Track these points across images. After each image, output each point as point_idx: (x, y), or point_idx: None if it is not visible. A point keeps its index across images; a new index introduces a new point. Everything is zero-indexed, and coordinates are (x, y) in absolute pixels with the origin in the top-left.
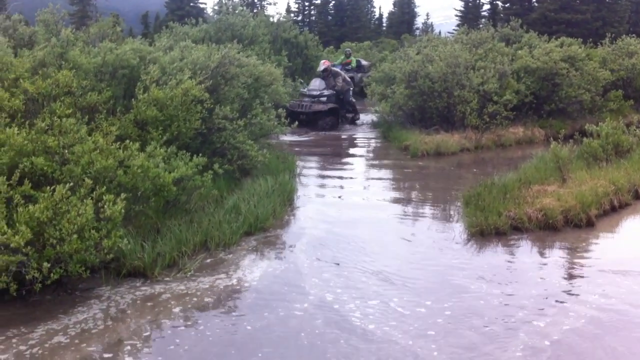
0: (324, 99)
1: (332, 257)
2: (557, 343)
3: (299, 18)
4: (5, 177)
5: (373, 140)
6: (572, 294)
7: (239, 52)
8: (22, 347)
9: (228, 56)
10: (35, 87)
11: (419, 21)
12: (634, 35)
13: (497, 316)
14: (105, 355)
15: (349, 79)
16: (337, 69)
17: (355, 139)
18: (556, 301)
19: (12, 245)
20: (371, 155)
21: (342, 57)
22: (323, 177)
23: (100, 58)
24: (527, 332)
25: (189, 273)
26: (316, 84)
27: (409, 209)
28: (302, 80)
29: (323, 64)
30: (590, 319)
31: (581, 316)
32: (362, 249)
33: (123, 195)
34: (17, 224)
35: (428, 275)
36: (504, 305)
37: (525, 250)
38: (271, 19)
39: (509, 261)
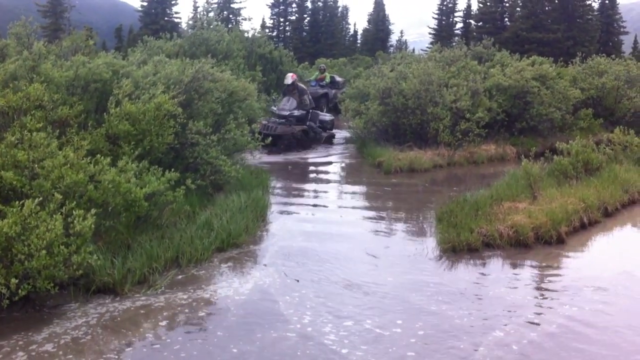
0: (293, 119)
1: (305, 274)
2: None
3: (274, 34)
4: None
5: (347, 157)
6: (538, 309)
7: (212, 67)
8: None
9: (202, 71)
10: (6, 100)
11: (393, 38)
12: (604, 54)
13: (467, 331)
14: None
15: (312, 99)
16: (303, 86)
17: (328, 154)
18: (521, 316)
19: None
20: (345, 171)
21: (317, 73)
22: (296, 193)
23: (72, 72)
24: (492, 344)
25: (160, 289)
26: (287, 104)
27: (382, 225)
28: (273, 97)
29: (291, 77)
30: (553, 334)
31: (544, 331)
32: (335, 266)
33: (93, 211)
34: None
35: (401, 292)
36: (473, 320)
37: (497, 266)
38: (246, 35)
39: (480, 277)
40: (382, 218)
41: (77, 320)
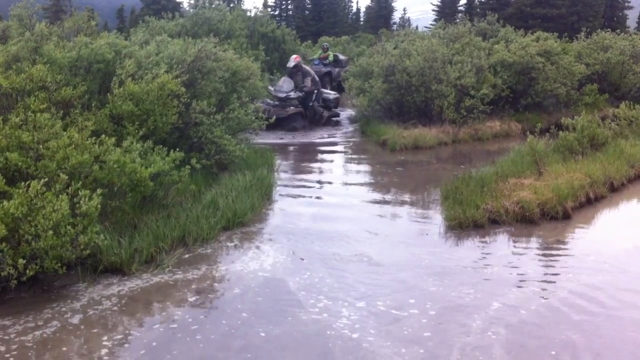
0: (292, 101)
1: (311, 253)
2: (522, 323)
3: (276, 12)
4: None
5: (351, 135)
6: (544, 284)
7: (215, 46)
8: None
9: (204, 50)
10: (9, 81)
11: (396, 16)
12: (608, 29)
13: (475, 307)
14: (82, 354)
15: (318, 80)
16: (308, 68)
17: (332, 133)
18: (527, 291)
19: None
20: (349, 149)
21: (320, 51)
22: (301, 172)
23: (75, 52)
24: (500, 321)
25: (167, 269)
26: (284, 86)
27: (388, 203)
28: (271, 77)
29: (294, 60)
30: (557, 308)
31: (549, 305)
32: (341, 244)
33: (99, 191)
34: None
35: (409, 270)
36: (481, 297)
37: (503, 242)
38: (248, 13)
39: (486, 253)
40: (387, 195)
41: (86, 300)
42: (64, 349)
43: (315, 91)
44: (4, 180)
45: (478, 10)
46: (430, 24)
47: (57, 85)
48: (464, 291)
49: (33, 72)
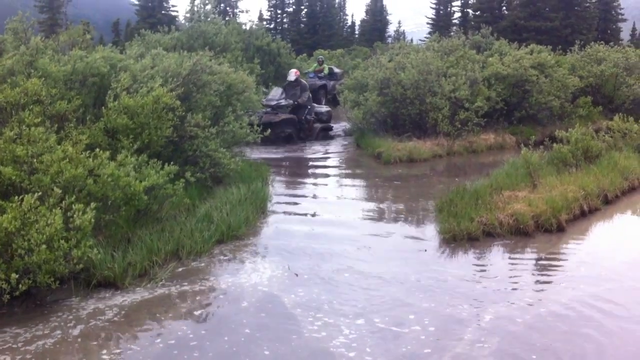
0: (282, 109)
1: (306, 268)
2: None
3: (272, 26)
4: None
5: (346, 148)
6: (538, 296)
7: (210, 60)
8: None
9: (200, 63)
10: (4, 95)
11: (391, 29)
12: (602, 42)
13: (470, 321)
14: None
15: (311, 97)
16: (306, 83)
17: (327, 146)
18: (521, 303)
19: None
20: (344, 162)
21: (315, 64)
22: (296, 185)
23: (70, 66)
24: (496, 334)
25: (160, 282)
26: (276, 95)
27: (383, 216)
28: (265, 90)
29: (294, 74)
30: (550, 321)
31: (541, 318)
32: (336, 258)
33: (93, 205)
34: None
35: (405, 284)
36: (476, 310)
37: (497, 254)
38: (243, 27)
39: (481, 266)
40: (382, 208)
41: (79, 315)
42: None
43: (308, 106)
44: None
45: (472, 23)
46: (425, 37)
47: (51, 99)
48: (460, 306)
49: (28, 85)
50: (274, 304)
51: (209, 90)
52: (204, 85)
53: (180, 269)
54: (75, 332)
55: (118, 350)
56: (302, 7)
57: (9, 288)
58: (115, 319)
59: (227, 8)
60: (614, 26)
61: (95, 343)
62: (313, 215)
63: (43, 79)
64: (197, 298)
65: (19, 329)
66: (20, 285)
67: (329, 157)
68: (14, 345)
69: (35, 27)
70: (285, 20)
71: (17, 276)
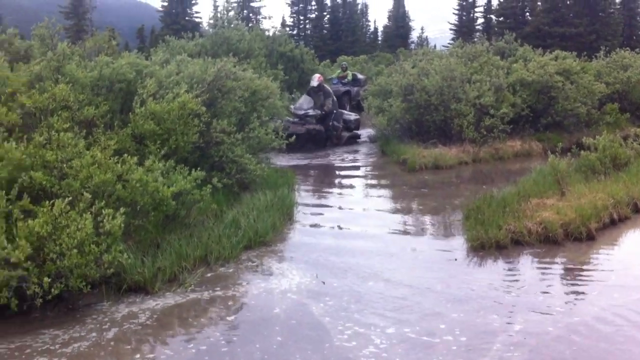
0: (309, 119)
1: (334, 275)
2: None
3: (294, 32)
4: (4, 191)
5: (371, 155)
6: (569, 306)
7: (234, 66)
8: None
9: (224, 69)
10: (32, 101)
11: (414, 35)
12: (627, 48)
13: (502, 331)
14: None
15: (336, 101)
16: (329, 89)
17: (353, 153)
18: (551, 313)
19: (12, 260)
20: (369, 169)
21: (339, 70)
22: (322, 191)
23: (96, 72)
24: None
25: (190, 288)
26: (303, 104)
27: (410, 223)
28: (292, 96)
29: (317, 79)
30: (580, 332)
31: (572, 328)
32: (364, 266)
33: (122, 210)
34: (17, 239)
35: (434, 293)
36: (507, 320)
37: (526, 263)
38: (267, 33)
39: (510, 275)
40: (409, 216)
41: (111, 319)
42: None
43: (334, 111)
44: (29, 199)
45: (496, 29)
46: (448, 43)
47: (79, 104)
48: (491, 315)
49: (56, 91)
50: (304, 311)
51: (234, 97)
52: (228, 92)
53: (209, 275)
54: (109, 335)
55: (151, 355)
56: (325, 14)
57: (41, 292)
58: (148, 322)
59: (250, 14)
60: (639, 32)
61: (128, 347)
62: (340, 222)
63: (70, 84)
64: (228, 304)
65: (56, 331)
66: (52, 289)
67: (354, 164)
68: (52, 347)
69: (61, 33)
70: (308, 26)
71: (49, 280)
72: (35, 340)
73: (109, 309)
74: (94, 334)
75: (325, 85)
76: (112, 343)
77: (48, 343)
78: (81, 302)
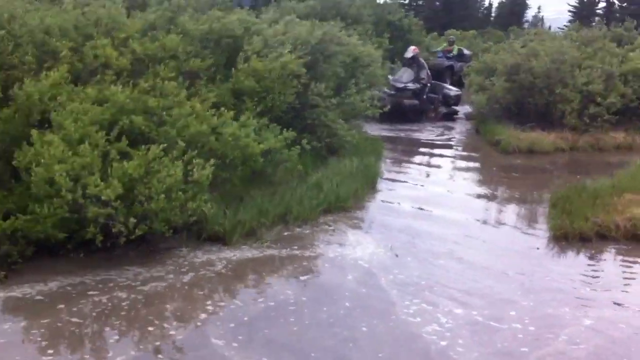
0: (409, 92)
1: (408, 248)
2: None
3: (407, 1)
4: (104, 132)
5: (465, 132)
6: None
7: (340, 31)
8: (98, 296)
9: (329, 33)
10: (143, 48)
11: (530, 14)
12: None
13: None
14: (181, 315)
15: (430, 74)
16: (423, 61)
17: (446, 129)
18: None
19: (103, 198)
20: (461, 146)
21: (445, 44)
22: (409, 165)
23: (207, 26)
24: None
25: (266, 244)
26: (403, 76)
27: (494, 205)
28: (392, 65)
29: (412, 51)
30: None
31: None
32: (440, 244)
33: (212, 161)
34: (110, 178)
35: (509, 278)
36: (579, 314)
37: (610, 259)
38: (378, 1)
39: (591, 269)
40: (494, 198)
41: (189, 264)
42: (167, 306)
43: (428, 84)
44: (127, 141)
45: (617, 15)
46: (565, 25)
47: (187, 55)
48: (563, 308)
49: (166, 41)
50: (374, 282)
51: (335, 61)
52: (331, 56)
53: (286, 233)
54: (185, 279)
55: (222, 303)
56: None
57: (126, 231)
58: (222, 272)
59: None
60: None
61: (201, 293)
62: (423, 196)
63: (181, 35)
64: (301, 264)
65: (139, 269)
66: (136, 230)
67: (446, 141)
68: (133, 284)
69: None
70: None
71: (135, 221)
72: (120, 275)
73: (187, 254)
74: (171, 276)
75: (421, 58)
76: (186, 287)
77: (130, 279)
78: (162, 245)
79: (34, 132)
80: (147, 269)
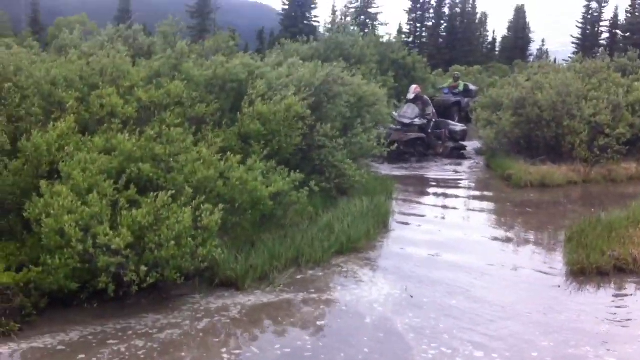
0: (415, 127)
1: (423, 288)
2: None
3: (410, 39)
4: (112, 181)
5: (475, 168)
6: None
7: (343, 71)
8: (117, 345)
9: (332, 74)
10: (149, 96)
11: (534, 47)
12: None
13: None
14: None
15: (434, 111)
16: (427, 98)
17: (456, 165)
18: None
19: (113, 247)
20: (472, 183)
21: (450, 80)
22: (420, 202)
23: (211, 71)
24: None
25: (279, 287)
26: (408, 111)
27: (509, 241)
28: (396, 103)
29: (413, 91)
30: None
31: None
32: (456, 283)
33: (221, 206)
34: (120, 227)
35: (528, 317)
36: (605, 350)
37: (629, 294)
38: (381, 40)
39: (611, 304)
40: (508, 234)
41: (203, 310)
42: (183, 354)
43: (433, 120)
44: (136, 189)
45: (620, 45)
46: (569, 57)
47: (192, 101)
48: (584, 347)
49: (171, 87)
50: (391, 325)
51: (340, 101)
52: (335, 96)
53: (298, 276)
54: (200, 326)
55: (237, 351)
56: (442, 22)
57: (138, 280)
58: (237, 317)
59: (367, 20)
60: None
61: (217, 340)
62: (435, 235)
63: (186, 82)
64: (317, 308)
65: (147, 318)
66: (148, 278)
67: (456, 177)
68: (150, 331)
69: (184, 31)
70: (424, 34)
71: (146, 269)
72: (138, 322)
73: (201, 300)
74: (187, 323)
75: (424, 95)
76: (202, 334)
77: (148, 326)
78: (174, 292)
79: (43, 183)
80: (163, 315)
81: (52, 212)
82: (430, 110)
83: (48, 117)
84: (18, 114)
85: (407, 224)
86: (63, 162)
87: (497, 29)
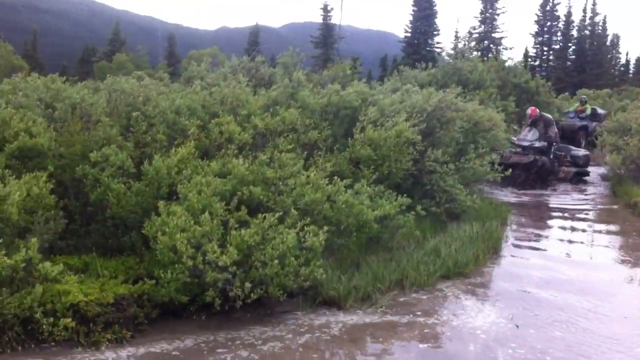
0: (535, 151)
1: (531, 319)
2: None
3: (536, 63)
4: (225, 202)
5: (599, 195)
6: None
7: (457, 96)
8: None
9: (445, 100)
10: (264, 123)
11: None
12: None
13: None
14: None
15: (557, 132)
16: (549, 117)
17: (578, 192)
18: None
19: (220, 264)
20: (594, 210)
21: (577, 104)
22: (537, 229)
23: (326, 99)
24: None
25: (381, 309)
26: (528, 135)
27: (632, 277)
28: (515, 128)
29: (530, 115)
30: None
31: None
32: (565, 316)
33: (325, 228)
34: (229, 245)
35: None
36: None
37: None
38: (505, 64)
39: None
40: (632, 268)
41: (305, 327)
42: None
43: (555, 143)
44: (246, 210)
45: None
46: None
47: (305, 128)
48: None
49: (286, 115)
50: (493, 354)
51: (453, 127)
52: (447, 122)
53: (401, 299)
54: (301, 340)
55: None
56: (570, 45)
57: (243, 295)
58: (338, 335)
59: (491, 45)
60: None
61: (315, 355)
62: (550, 265)
63: (301, 109)
64: (420, 331)
65: (251, 332)
66: (252, 294)
67: (578, 204)
68: (256, 342)
69: (306, 61)
70: (551, 57)
71: (250, 285)
72: (247, 333)
73: (303, 317)
74: (290, 336)
75: (544, 114)
76: (301, 349)
77: (255, 337)
78: (277, 308)
79: (161, 204)
80: (270, 328)
81: (167, 230)
82: (553, 131)
83: (171, 143)
84: (144, 140)
85: (519, 251)
86: (181, 184)
87: (631, 49)
